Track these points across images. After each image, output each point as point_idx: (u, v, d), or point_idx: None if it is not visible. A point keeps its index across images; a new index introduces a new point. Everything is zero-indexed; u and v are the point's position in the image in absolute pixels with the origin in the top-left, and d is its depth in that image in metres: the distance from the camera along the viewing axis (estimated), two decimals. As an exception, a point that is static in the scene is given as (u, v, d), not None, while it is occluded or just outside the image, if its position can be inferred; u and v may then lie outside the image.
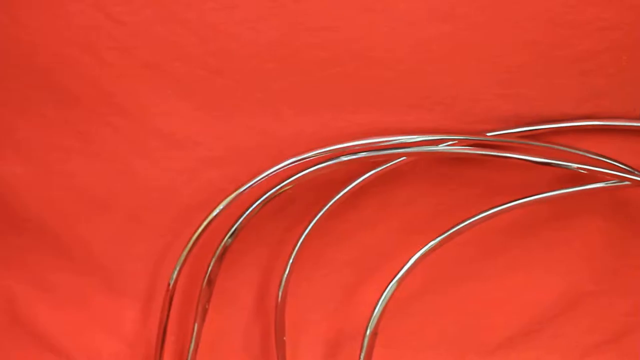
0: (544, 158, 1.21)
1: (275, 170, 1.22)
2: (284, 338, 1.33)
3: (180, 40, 1.24)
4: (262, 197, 1.24)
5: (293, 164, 1.22)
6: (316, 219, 1.27)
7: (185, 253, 1.26)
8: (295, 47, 1.23)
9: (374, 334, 1.22)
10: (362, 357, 1.22)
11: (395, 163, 1.25)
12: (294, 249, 1.28)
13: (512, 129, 1.26)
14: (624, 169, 1.24)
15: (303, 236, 1.27)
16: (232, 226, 1.25)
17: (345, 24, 1.21)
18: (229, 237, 1.25)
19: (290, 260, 1.28)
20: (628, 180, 1.23)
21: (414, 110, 1.25)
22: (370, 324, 1.21)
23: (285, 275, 1.29)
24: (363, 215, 1.33)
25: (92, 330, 1.38)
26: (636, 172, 1.24)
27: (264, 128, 1.28)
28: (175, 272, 1.27)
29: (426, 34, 1.21)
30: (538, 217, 1.34)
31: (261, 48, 1.23)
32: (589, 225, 1.35)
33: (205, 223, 1.24)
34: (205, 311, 1.30)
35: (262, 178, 1.22)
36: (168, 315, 1.30)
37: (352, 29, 1.21)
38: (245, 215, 1.25)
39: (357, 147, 1.22)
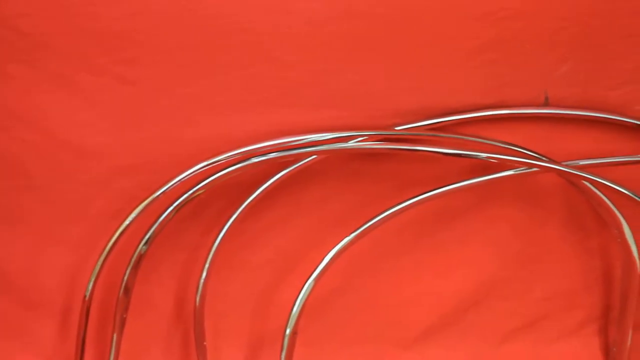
0: (453, 149, 1.22)
1: (186, 176, 1.21)
2: (205, 343, 1.33)
3: (86, 50, 1.23)
4: (174, 203, 1.23)
5: (204, 168, 1.21)
6: (230, 221, 1.26)
7: (99, 263, 1.24)
8: (205, 51, 1.22)
9: (294, 333, 1.22)
10: (282, 357, 1.22)
11: (307, 162, 1.25)
12: (209, 253, 1.27)
13: (420, 122, 1.26)
14: (532, 155, 1.26)
15: (218, 240, 1.27)
16: (146, 233, 1.24)
17: (254, 26, 1.21)
18: (143, 245, 1.24)
19: (207, 265, 1.27)
20: (536, 167, 1.25)
21: (323, 108, 1.26)
22: (289, 323, 1.21)
23: (202, 280, 1.28)
24: (277, 216, 1.33)
25: (9, 348, 1.36)
26: (544, 158, 1.26)
27: (175, 134, 1.27)
28: (91, 284, 1.25)
29: (332, 33, 1.21)
30: (451, 208, 1.36)
31: (170, 53, 1.22)
32: (502, 213, 1.37)
33: (118, 232, 1.23)
34: (123, 321, 1.29)
35: (174, 184, 1.21)
36: (86, 328, 1.28)
37: (260, 31, 1.21)
38: (158, 222, 1.24)
39: (267, 148, 1.21)
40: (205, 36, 1.21)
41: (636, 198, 1.22)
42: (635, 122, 1.29)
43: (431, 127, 1.27)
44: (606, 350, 1.45)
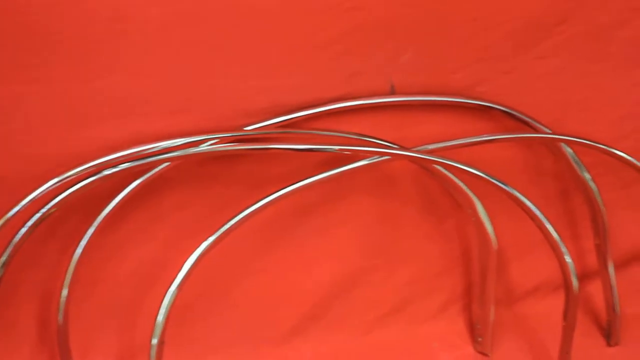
0: (305, 144, 1.23)
1: (38, 194, 1.18)
2: (72, 362, 1.31)
3: None
4: (27, 223, 1.20)
5: (56, 185, 1.18)
6: (87, 236, 1.24)
7: (-45, 292, 1.21)
8: (45, 67, 1.19)
9: (161, 342, 1.20)
10: (151, 368, 1.21)
11: (160, 169, 1.24)
12: (69, 270, 1.25)
13: (271, 120, 1.27)
14: (383, 144, 1.28)
15: (76, 256, 1.24)
16: (1, 256, 1.21)
17: (97, 37, 1.18)
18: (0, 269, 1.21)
19: (67, 282, 1.25)
20: (388, 155, 1.27)
21: (171, 115, 1.25)
22: (155, 333, 1.20)
23: (63, 298, 1.25)
24: (136, 226, 1.31)
25: None
26: (394, 146, 1.28)
27: (23, 153, 1.24)
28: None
29: (175, 39, 1.20)
30: (310, 203, 1.37)
31: (7, 72, 1.18)
32: (359, 203, 1.39)
33: (-27, 259, 1.20)
34: (-15, 348, 1.26)
35: (26, 204, 1.18)
36: (-54, 359, 1.24)
37: (101, 41, 1.19)
38: (13, 244, 1.21)
39: (118, 159, 1.19)
40: (44, 51, 1.18)
41: (486, 177, 1.25)
42: (479, 103, 1.33)
43: (282, 125, 1.27)
44: (471, 327, 1.49)
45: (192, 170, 1.30)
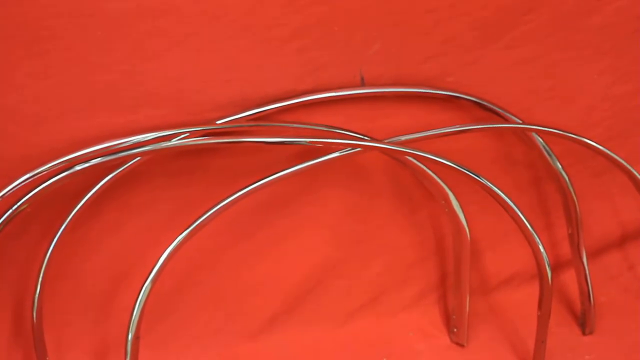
0: (276, 137, 1.23)
1: (9, 191, 1.17)
2: (47, 359, 1.30)
3: None
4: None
5: (27, 181, 1.18)
6: (60, 232, 1.24)
7: None
8: (7, 62, 1.18)
9: (136, 337, 1.20)
10: (127, 362, 1.21)
11: (132, 164, 1.23)
12: (42, 267, 1.24)
13: (241, 113, 1.27)
14: (354, 136, 1.28)
15: (49, 252, 1.24)
16: (-27, 254, 1.21)
17: (59, 32, 1.17)
18: (-28, 266, 1.21)
19: (40, 278, 1.25)
20: (360, 147, 1.27)
21: (142, 109, 1.24)
22: (130, 328, 1.20)
23: (37, 295, 1.25)
24: (108, 221, 1.31)
25: None
26: (366, 138, 1.28)
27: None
28: None
29: (141, 31, 1.20)
30: (283, 195, 1.37)
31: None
32: (332, 195, 1.40)
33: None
34: (-41, 347, 1.25)
35: (-3, 200, 1.18)
36: None
37: (66, 37, 1.17)
38: (-15, 242, 1.21)
39: (90, 154, 1.19)
40: (6, 47, 1.17)
41: (459, 168, 1.26)
42: (448, 93, 1.34)
43: (252, 118, 1.27)
44: (446, 317, 1.50)
45: (163, 165, 1.30)
